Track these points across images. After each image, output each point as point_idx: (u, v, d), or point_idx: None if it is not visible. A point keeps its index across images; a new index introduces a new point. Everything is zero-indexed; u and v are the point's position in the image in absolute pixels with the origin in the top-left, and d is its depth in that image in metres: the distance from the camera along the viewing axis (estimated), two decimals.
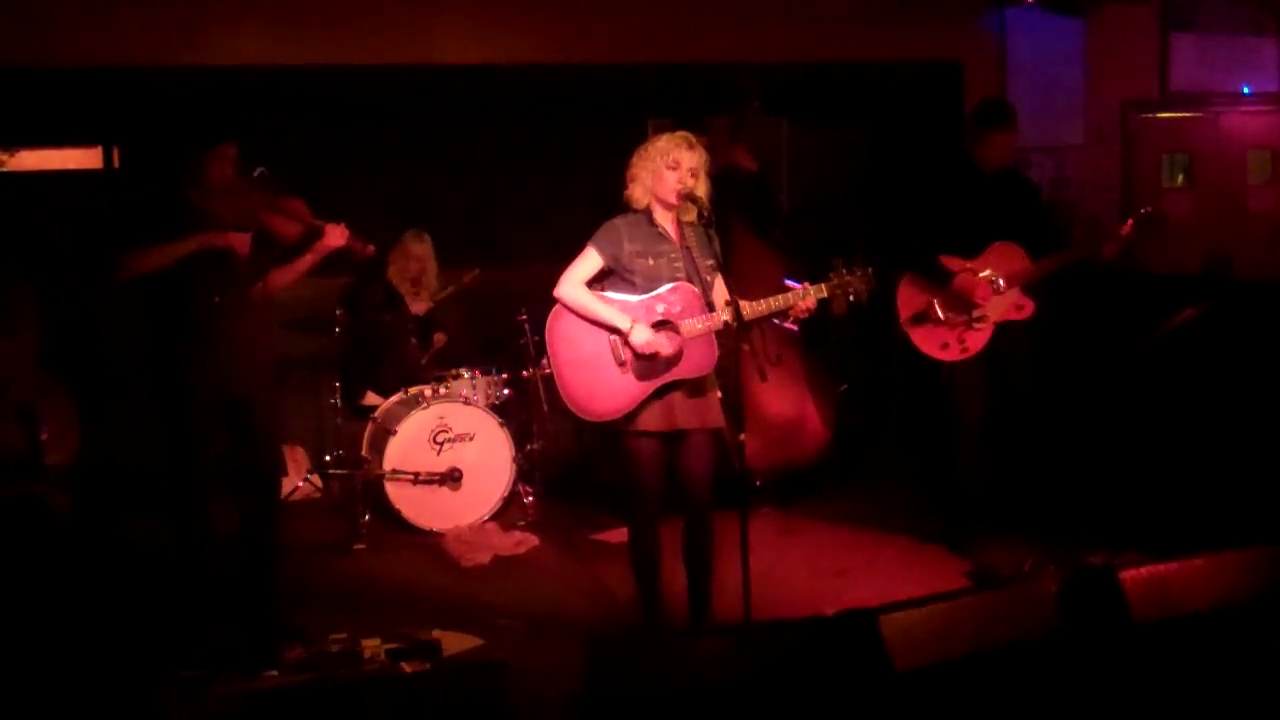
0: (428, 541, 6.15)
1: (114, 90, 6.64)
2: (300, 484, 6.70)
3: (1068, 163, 7.97)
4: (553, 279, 4.48)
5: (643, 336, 4.33)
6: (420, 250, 6.88)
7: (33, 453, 5.76)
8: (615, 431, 4.47)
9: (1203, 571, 3.55)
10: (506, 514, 6.48)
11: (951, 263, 5.41)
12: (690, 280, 4.42)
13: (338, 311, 6.46)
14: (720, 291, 4.40)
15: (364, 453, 6.54)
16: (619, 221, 4.47)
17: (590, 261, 4.44)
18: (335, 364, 6.59)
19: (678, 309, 4.39)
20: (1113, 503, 5.70)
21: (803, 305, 4.40)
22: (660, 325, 4.40)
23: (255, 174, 4.61)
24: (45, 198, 7.06)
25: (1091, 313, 6.30)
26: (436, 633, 4.68)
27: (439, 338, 6.97)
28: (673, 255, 4.44)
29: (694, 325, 4.37)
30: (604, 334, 4.41)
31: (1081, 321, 6.28)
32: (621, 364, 4.39)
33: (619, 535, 5.59)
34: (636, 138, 4.56)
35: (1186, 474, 5.52)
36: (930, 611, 3.29)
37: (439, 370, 6.66)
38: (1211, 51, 8.32)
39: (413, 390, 6.50)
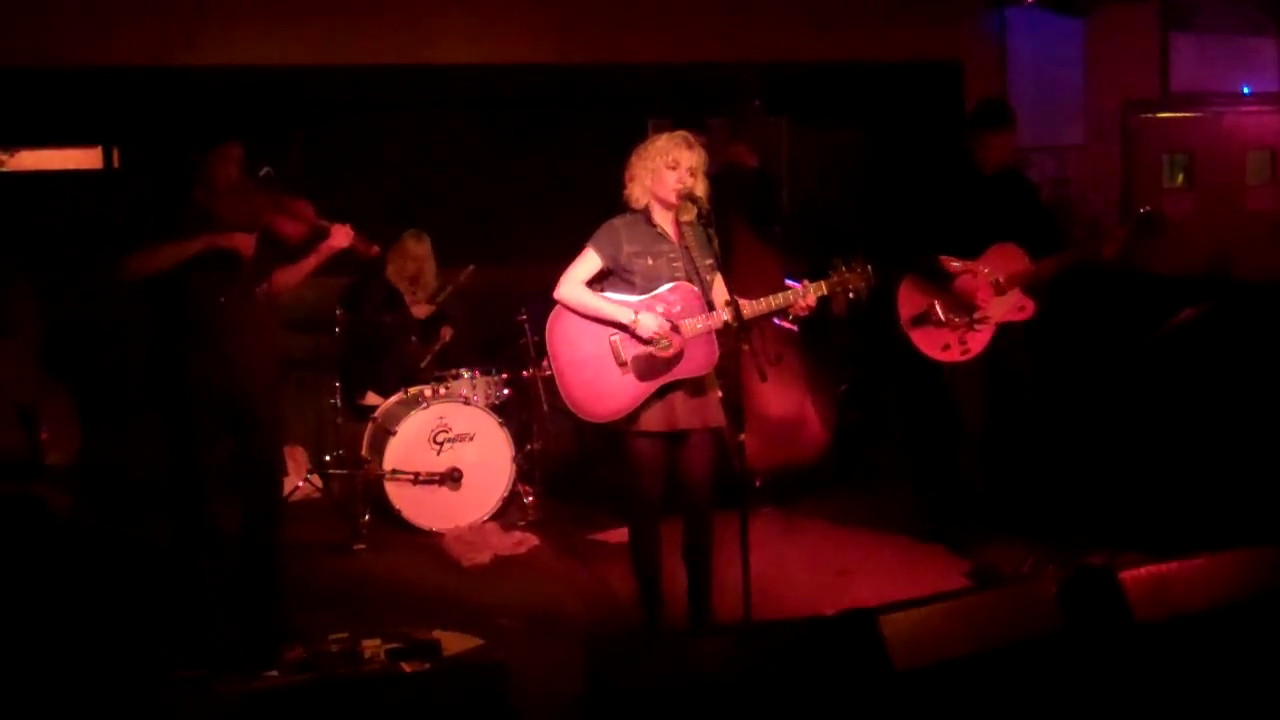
0: (428, 541, 6.15)
1: (114, 90, 6.63)
2: (300, 484, 6.70)
3: (1068, 163, 7.96)
4: (553, 279, 4.47)
5: (651, 322, 4.32)
6: (419, 250, 6.88)
7: (33, 453, 5.76)
8: (616, 431, 4.48)
9: (1203, 571, 3.55)
10: (506, 514, 6.48)
11: (952, 264, 5.41)
12: (690, 280, 4.42)
13: (338, 311, 6.46)
14: (720, 291, 4.40)
15: (364, 453, 6.54)
16: (618, 222, 4.47)
17: (589, 262, 4.44)
18: (335, 364, 6.58)
19: (678, 309, 4.39)
20: (1113, 503, 5.70)
21: (803, 303, 4.40)
22: None
23: (261, 174, 4.61)
24: (45, 198, 7.05)
25: (1091, 313, 6.30)
26: (436, 633, 4.68)
27: (446, 331, 6.95)
28: (672, 255, 4.44)
29: (694, 325, 4.37)
30: (604, 334, 4.40)
31: (1081, 322, 6.28)
32: (622, 364, 4.39)
33: (619, 535, 5.59)
34: (636, 138, 4.55)
35: (1186, 474, 5.51)
36: (930, 611, 3.29)
37: (439, 370, 6.66)
38: (1211, 51, 8.31)
39: (413, 390, 6.50)
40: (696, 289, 4.41)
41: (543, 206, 7.25)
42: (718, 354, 4.41)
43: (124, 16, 6.41)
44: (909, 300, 5.51)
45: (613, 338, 4.40)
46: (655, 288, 4.40)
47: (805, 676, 3.25)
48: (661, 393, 4.39)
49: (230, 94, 6.48)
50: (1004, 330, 5.45)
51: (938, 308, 5.44)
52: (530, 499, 6.61)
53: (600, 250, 4.43)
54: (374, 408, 6.65)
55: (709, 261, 4.45)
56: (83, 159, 7.31)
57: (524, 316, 6.67)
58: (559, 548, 6.06)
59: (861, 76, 7.60)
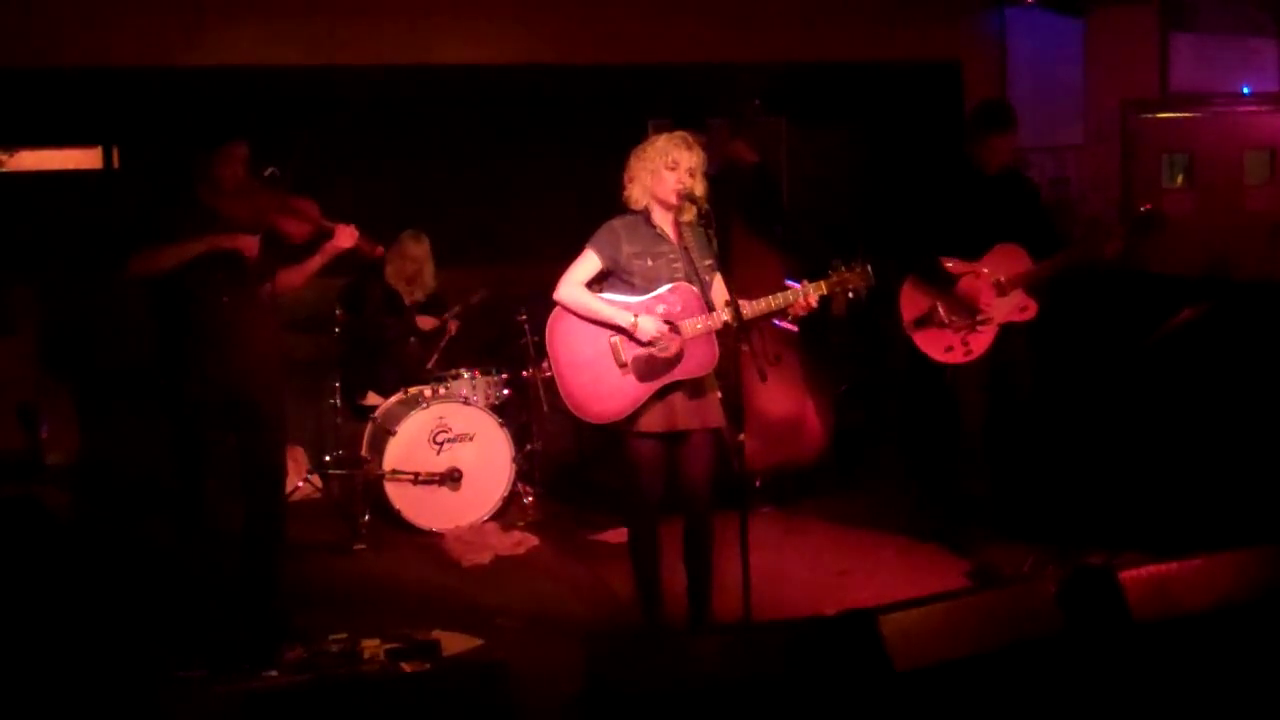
0: (428, 541, 6.15)
1: (114, 90, 6.64)
2: (300, 484, 6.70)
3: (1068, 163, 7.97)
4: (552, 279, 4.48)
5: (650, 325, 4.33)
6: (418, 251, 6.88)
7: (33, 453, 5.77)
8: (615, 432, 4.48)
9: (1203, 571, 3.55)
10: (506, 514, 6.48)
11: (954, 265, 5.41)
12: (689, 280, 4.42)
13: (338, 311, 6.46)
14: (720, 291, 4.40)
15: (364, 453, 6.54)
16: (617, 223, 4.47)
17: (589, 263, 4.44)
18: (335, 364, 6.59)
19: (677, 309, 4.39)
20: (1112, 503, 5.70)
21: (802, 303, 4.40)
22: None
23: (266, 174, 4.61)
24: (45, 198, 7.06)
25: (1091, 313, 6.30)
26: (436, 633, 4.68)
27: (452, 325, 6.94)
28: (671, 256, 4.44)
29: (694, 325, 4.37)
30: (604, 335, 4.41)
31: (1081, 322, 6.28)
32: (622, 365, 4.39)
33: (619, 535, 5.59)
34: (636, 138, 4.56)
35: (1186, 474, 5.51)
36: (930, 611, 3.29)
37: (439, 370, 6.66)
38: (1211, 51, 8.32)
39: (413, 390, 6.50)
40: (696, 290, 4.41)
41: (543, 206, 7.25)
42: (717, 355, 4.41)
43: (124, 16, 6.41)
44: (911, 302, 5.50)
45: (613, 339, 4.40)
46: (655, 288, 4.40)
47: (805, 676, 3.25)
48: (661, 393, 4.39)
49: (230, 94, 6.48)
50: (1006, 331, 5.45)
51: (940, 309, 5.44)
52: (530, 499, 6.62)
53: (600, 251, 4.43)
54: (374, 408, 6.65)
55: (708, 262, 4.45)
56: (83, 159, 7.31)
57: (524, 316, 6.67)
58: (559, 548, 6.06)
59: (861, 76, 7.61)
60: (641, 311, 4.36)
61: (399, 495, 6.25)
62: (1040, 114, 7.60)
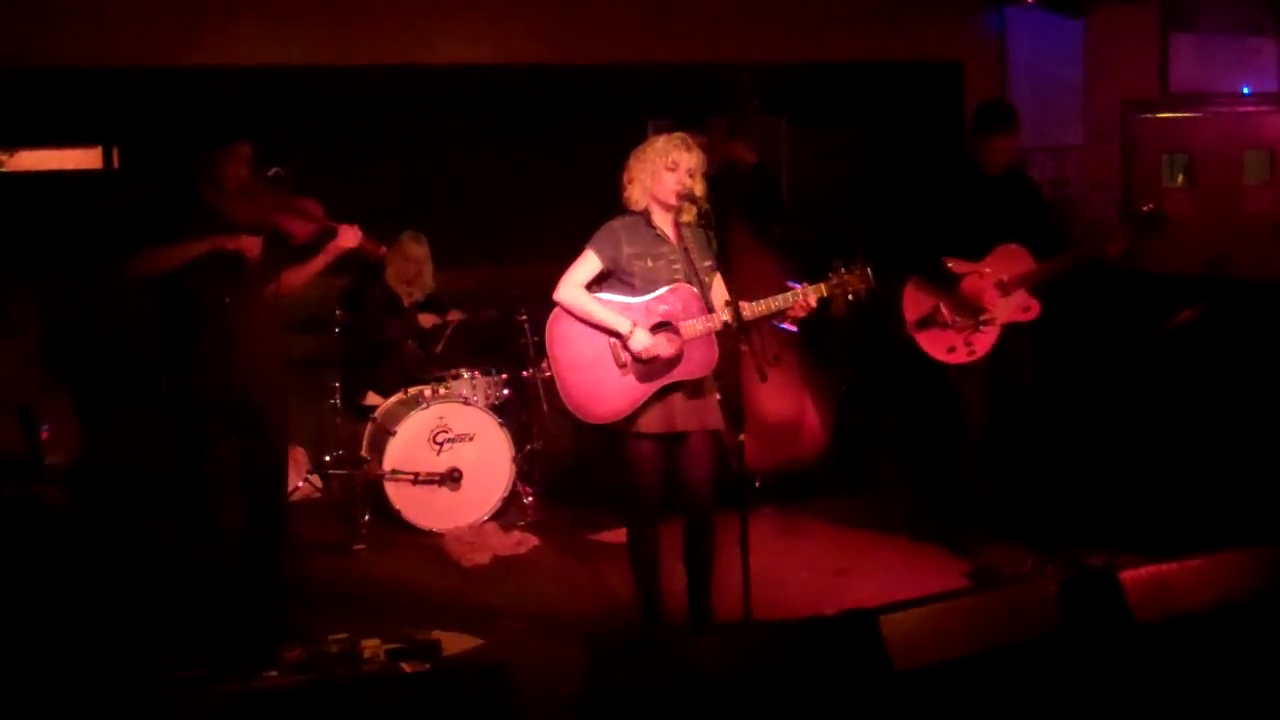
0: (428, 541, 6.15)
1: (114, 90, 6.63)
2: (300, 484, 6.69)
3: (1068, 163, 7.96)
4: (553, 279, 4.48)
5: (642, 341, 4.34)
6: (418, 252, 6.88)
7: (33, 453, 5.76)
8: (615, 432, 4.48)
9: (1203, 571, 3.55)
10: (506, 514, 6.48)
11: (957, 265, 5.41)
12: (689, 281, 4.42)
13: (338, 311, 6.46)
14: (719, 292, 4.41)
15: (364, 453, 6.54)
16: (617, 224, 4.47)
17: (589, 264, 4.44)
18: (335, 364, 6.58)
19: (677, 310, 4.39)
20: (1112, 503, 5.70)
21: (802, 304, 4.40)
22: (660, 327, 4.40)
23: (270, 174, 4.61)
24: (45, 198, 7.05)
25: (1091, 313, 6.30)
26: (436, 633, 4.68)
27: (453, 315, 6.93)
28: (671, 257, 4.44)
29: (694, 326, 4.37)
30: (604, 336, 4.41)
31: (1081, 322, 6.28)
32: (622, 366, 4.39)
33: (619, 535, 5.58)
34: (636, 138, 4.55)
35: (1186, 474, 5.51)
36: (930, 611, 3.29)
37: (439, 370, 6.66)
38: (1211, 51, 8.31)
39: (413, 390, 6.50)
40: (696, 290, 4.41)
41: (543, 206, 7.25)
42: (717, 356, 4.41)
43: (124, 16, 6.40)
44: (914, 302, 5.50)
45: (613, 339, 4.40)
46: (655, 289, 4.40)
47: (805, 676, 3.25)
48: (661, 394, 4.39)
49: (230, 94, 6.48)
50: (1009, 331, 5.46)
51: (943, 309, 5.44)
52: (530, 499, 6.62)
53: (600, 252, 4.43)
54: (374, 408, 6.65)
55: (708, 263, 4.45)
56: (83, 159, 7.31)
57: (524, 317, 6.67)
58: (559, 548, 6.06)
59: (861, 76, 7.60)
60: (641, 317, 4.37)
61: (399, 495, 6.25)
62: (1040, 114, 7.59)
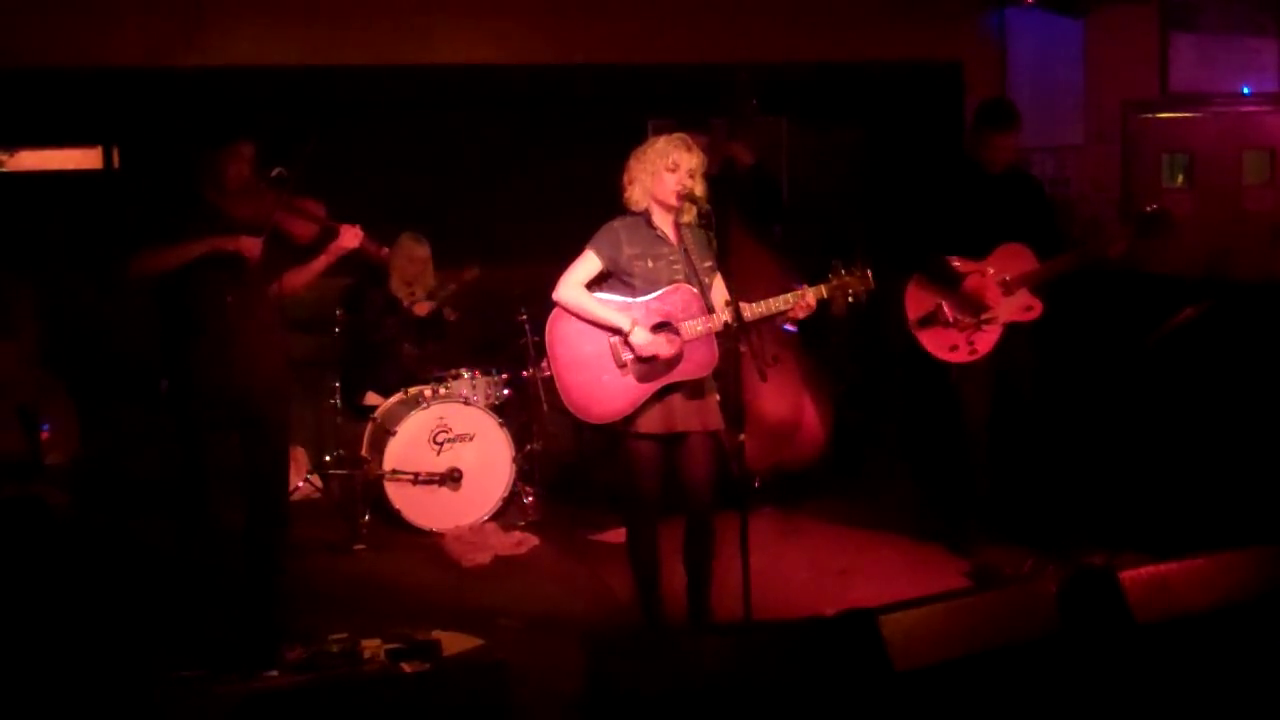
0: (428, 541, 6.15)
1: (114, 90, 6.63)
2: (300, 484, 6.70)
3: (1067, 163, 7.95)
4: (553, 279, 4.48)
5: (642, 338, 4.34)
6: (419, 253, 6.87)
7: (33, 453, 5.77)
8: (615, 433, 4.48)
9: (1203, 571, 3.55)
10: (506, 514, 6.48)
11: (960, 264, 5.41)
12: (689, 282, 4.42)
13: (338, 311, 6.46)
14: (720, 292, 4.41)
15: (364, 453, 6.54)
16: (617, 224, 4.47)
17: (589, 264, 4.44)
18: (335, 364, 6.58)
19: (678, 311, 4.39)
20: (1113, 503, 5.70)
21: (802, 304, 4.41)
22: (660, 327, 4.40)
23: (273, 174, 4.61)
24: (45, 198, 7.06)
25: (1091, 313, 6.30)
26: (436, 633, 4.68)
27: (448, 313, 6.94)
28: (672, 257, 4.44)
29: (694, 327, 4.37)
30: (604, 336, 4.41)
31: (1081, 322, 6.28)
32: (622, 366, 4.39)
33: (619, 535, 5.58)
34: (636, 138, 4.55)
35: (1186, 474, 5.51)
36: (930, 611, 3.29)
37: (439, 370, 6.66)
38: (1211, 51, 8.30)
39: (413, 390, 6.50)
40: (696, 291, 4.41)
41: (543, 206, 7.25)
42: (717, 356, 4.41)
43: (124, 16, 6.40)
44: (916, 301, 5.51)
45: (612, 339, 4.40)
46: (655, 290, 4.40)
47: (805, 676, 3.25)
48: (660, 394, 4.39)
49: (230, 94, 6.48)
50: (1011, 330, 5.46)
51: (945, 308, 5.44)
52: (530, 499, 6.62)
53: (600, 252, 4.43)
54: (374, 408, 6.65)
55: (709, 263, 4.46)
56: (83, 159, 7.31)
57: (524, 316, 6.67)
58: (559, 548, 6.06)
59: (861, 76, 7.60)
60: (641, 317, 4.37)
61: (399, 495, 6.25)
62: (1040, 114, 7.58)
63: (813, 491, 6.58)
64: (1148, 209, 5.40)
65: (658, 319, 4.40)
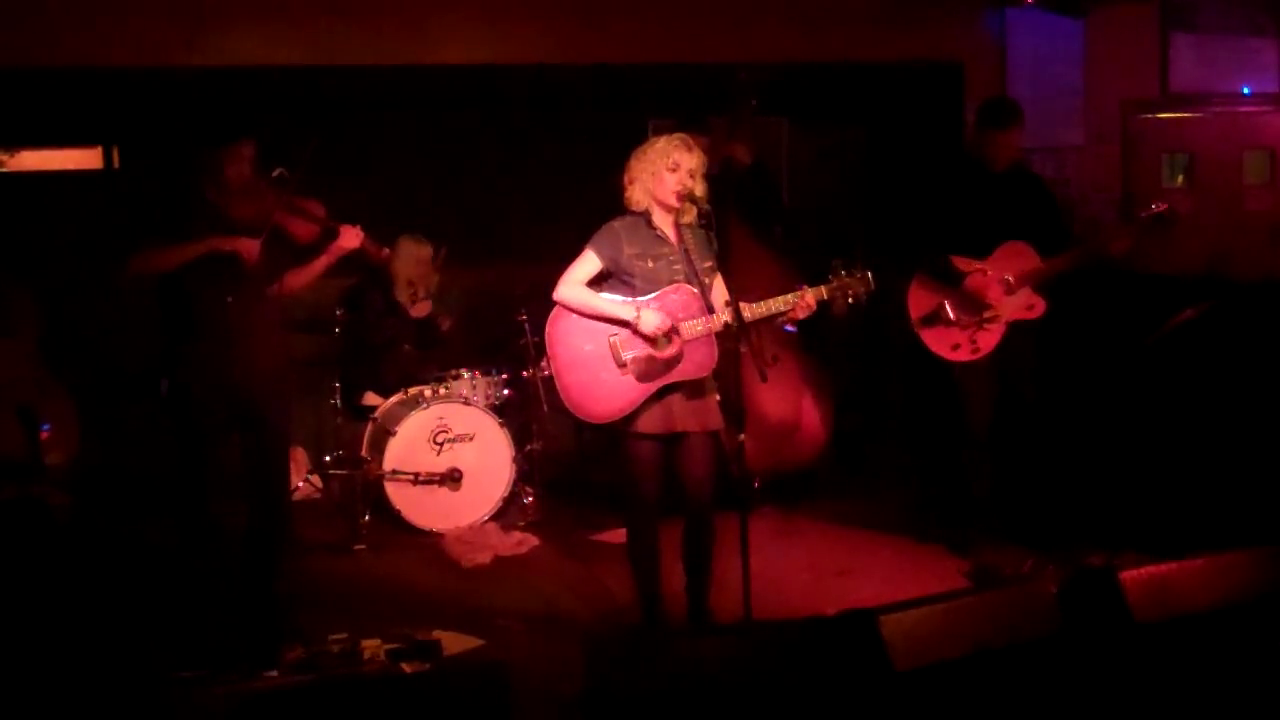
0: (428, 541, 6.15)
1: (114, 90, 6.63)
2: (300, 484, 6.70)
3: (1067, 163, 7.95)
4: (553, 279, 4.48)
5: (653, 318, 4.33)
6: (420, 254, 6.87)
7: (33, 453, 5.76)
8: (615, 432, 4.48)
9: (1203, 571, 3.55)
10: (506, 514, 6.48)
11: (962, 263, 5.41)
12: (689, 282, 4.42)
13: (338, 312, 6.46)
14: (720, 293, 4.41)
15: (364, 453, 6.54)
16: (618, 224, 4.47)
17: (589, 264, 4.44)
18: (335, 364, 6.58)
19: (678, 311, 4.39)
20: (1113, 503, 5.70)
21: (802, 306, 4.41)
22: None
23: (274, 175, 4.61)
24: (45, 198, 7.05)
25: (1091, 313, 6.30)
26: (436, 633, 4.68)
27: (444, 321, 6.94)
28: (672, 257, 4.44)
29: (694, 327, 4.37)
30: (604, 335, 4.41)
31: (1081, 322, 6.28)
32: (622, 366, 4.39)
33: (619, 535, 5.59)
34: (637, 138, 4.55)
35: (1186, 474, 5.51)
36: (930, 611, 3.29)
37: (439, 370, 6.66)
38: (1211, 51, 8.30)
39: (413, 390, 6.50)
40: (696, 291, 4.41)
41: (543, 206, 7.25)
42: (717, 357, 4.41)
43: (124, 17, 6.39)
44: (919, 300, 5.51)
45: (613, 339, 4.40)
46: (655, 290, 4.40)
47: (805, 676, 3.25)
48: (660, 394, 4.40)
49: (230, 94, 6.48)
50: (1013, 329, 5.46)
51: (948, 307, 5.44)
52: (530, 499, 6.61)
53: (600, 252, 4.43)
54: (374, 408, 6.65)
55: (709, 264, 4.46)
56: (83, 159, 7.31)
57: (524, 316, 6.67)
58: (559, 548, 6.06)
59: (862, 76, 7.60)
60: (643, 306, 4.37)
61: (399, 495, 6.24)
62: (1040, 114, 7.57)
63: (813, 491, 6.58)
64: (1154, 207, 5.41)
65: None
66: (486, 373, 6.69)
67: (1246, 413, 5.52)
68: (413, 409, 6.31)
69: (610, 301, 4.41)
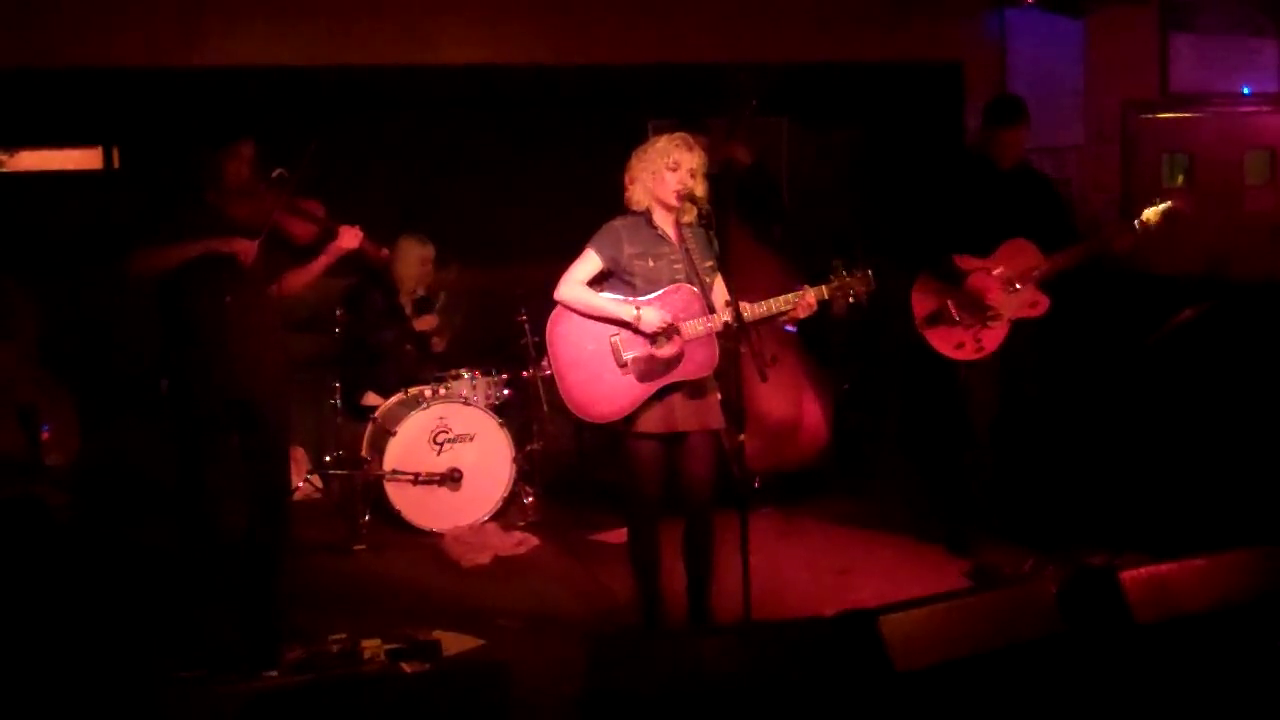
0: (428, 541, 6.15)
1: (114, 90, 6.63)
2: (300, 484, 6.69)
3: (1068, 163, 7.95)
4: (553, 279, 4.48)
5: (654, 316, 4.33)
6: (422, 254, 6.87)
7: (33, 453, 5.76)
8: (615, 432, 4.48)
9: (1203, 571, 3.55)
10: (506, 514, 6.48)
11: (965, 262, 5.42)
12: (690, 282, 4.42)
13: (338, 312, 6.46)
14: (720, 292, 4.41)
15: (364, 453, 6.54)
16: (618, 224, 4.47)
17: (590, 263, 4.45)
18: (335, 364, 6.58)
19: (678, 310, 4.39)
20: (1113, 503, 5.70)
21: (803, 306, 4.41)
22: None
23: (274, 175, 4.61)
24: (45, 198, 7.05)
25: (1091, 314, 6.30)
26: (436, 633, 4.68)
27: (436, 343, 6.95)
28: (673, 257, 4.44)
29: (695, 327, 4.37)
30: (605, 335, 4.41)
31: (1081, 322, 6.28)
32: (622, 365, 4.39)
33: (619, 535, 5.59)
34: (637, 138, 4.56)
35: (1186, 475, 5.52)
36: (930, 611, 3.29)
37: (439, 370, 6.66)
38: (1211, 51, 8.30)
39: (413, 390, 6.50)
40: (697, 291, 4.41)
41: (543, 206, 7.24)
42: (717, 356, 4.41)
43: (124, 16, 6.39)
44: (923, 299, 5.51)
45: (613, 338, 4.40)
46: (656, 289, 4.41)
47: (805, 676, 3.25)
48: (661, 394, 4.40)
49: (230, 94, 6.48)
50: (1017, 327, 5.46)
51: (951, 306, 5.44)
52: (530, 499, 6.61)
53: (600, 251, 4.43)
54: (374, 408, 6.65)
55: (709, 263, 4.46)
56: (83, 159, 7.30)
57: (524, 316, 6.67)
58: (559, 548, 6.06)
59: (861, 76, 7.60)
60: (644, 305, 4.37)
61: (399, 495, 6.25)
62: (1040, 114, 7.54)
63: (813, 491, 6.58)
64: (1168, 205, 5.41)
65: None
66: (486, 373, 6.69)
67: (1246, 413, 5.52)
68: (413, 409, 6.31)
69: (611, 301, 4.41)
